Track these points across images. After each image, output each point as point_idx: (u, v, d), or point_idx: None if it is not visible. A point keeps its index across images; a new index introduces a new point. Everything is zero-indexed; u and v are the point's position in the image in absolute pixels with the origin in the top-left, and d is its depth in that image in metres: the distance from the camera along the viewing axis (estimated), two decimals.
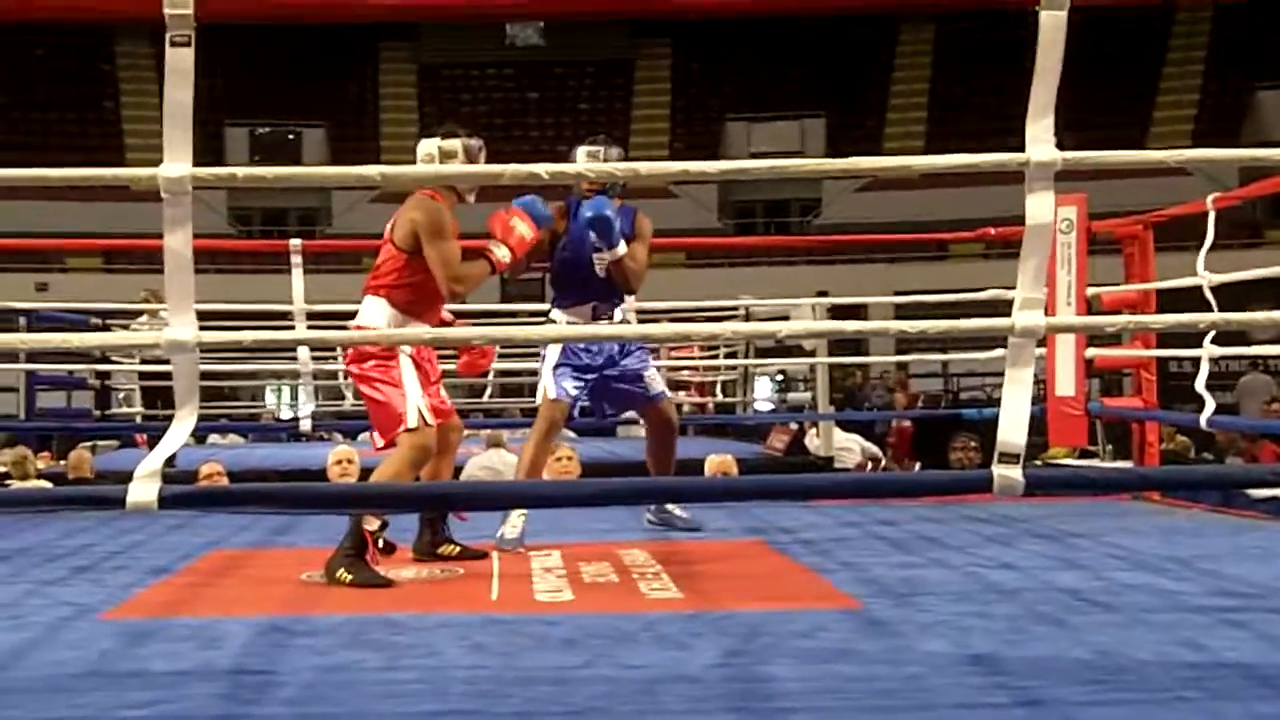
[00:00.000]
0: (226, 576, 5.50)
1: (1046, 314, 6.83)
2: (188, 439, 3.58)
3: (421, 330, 5.32)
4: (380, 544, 5.21)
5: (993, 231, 9.37)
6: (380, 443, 5.44)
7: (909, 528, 6.55)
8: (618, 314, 6.48)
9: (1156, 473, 3.31)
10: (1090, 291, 7.74)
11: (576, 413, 6.56)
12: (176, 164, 3.02)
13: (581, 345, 6.35)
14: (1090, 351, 7.79)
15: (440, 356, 5.94)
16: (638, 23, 36.13)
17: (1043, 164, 3.07)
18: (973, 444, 9.87)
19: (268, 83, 34.84)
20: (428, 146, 5.54)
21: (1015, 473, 3.12)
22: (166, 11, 2.98)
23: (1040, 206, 3.08)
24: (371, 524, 5.12)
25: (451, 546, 5.77)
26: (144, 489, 3.09)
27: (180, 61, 3.01)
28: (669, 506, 6.62)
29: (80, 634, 4.19)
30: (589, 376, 6.37)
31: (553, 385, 6.31)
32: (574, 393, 6.34)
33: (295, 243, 9.10)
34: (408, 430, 5.27)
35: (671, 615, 4.37)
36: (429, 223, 5.35)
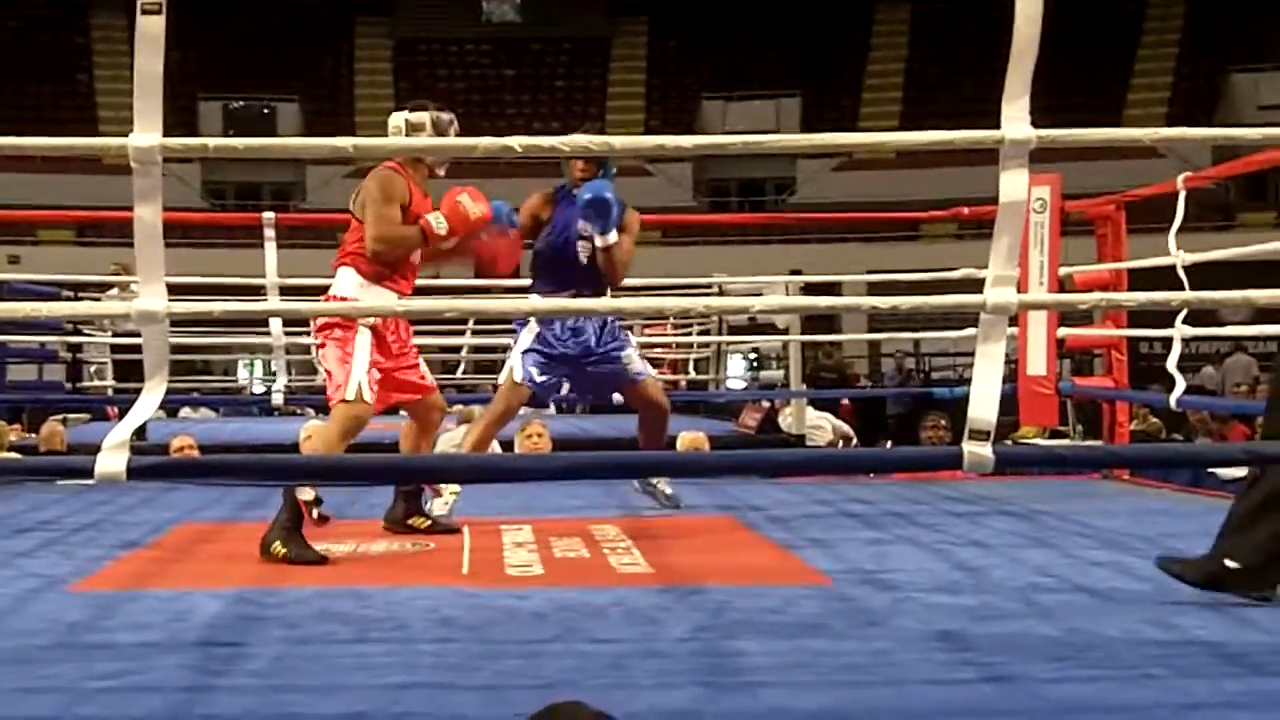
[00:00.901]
0: (195, 550, 5.49)
1: (1019, 292, 6.86)
2: (158, 412, 3.57)
3: (387, 302, 5.30)
4: (315, 515, 5.15)
5: (966, 211, 9.37)
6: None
7: (880, 506, 6.57)
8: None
9: (1126, 450, 3.31)
10: (1063, 271, 7.74)
11: (551, 407, 6.44)
12: (146, 134, 3.00)
13: (556, 336, 6.15)
14: (1062, 331, 7.80)
15: (416, 331, 5.91)
16: (615, 0, 36.08)
17: (1017, 142, 3.07)
18: (943, 423, 9.88)
19: (242, 56, 34.67)
20: (396, 119, 5.52)
21: (985, 449, 3.12)
22: None
23: (1014, 184, 3.08)
24: (305, 494, 5.07)
25: (422, 519, 5.75)
26: (112, 460, 3.07)
27: (151, 29, 2.98)
28: (655, 480, 6.52)
29: (48, 606, 4.18)
30: (562, 370, 6.20)
31: (519, 368, 6.12)
32: (539, 379, 6.12)
33: (268, 216, 9.05)
34: (344, 401, 5.21)
35: (641, 590, 4.38)
36: (376, 189, 5.33)
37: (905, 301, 3.33)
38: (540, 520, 6.02)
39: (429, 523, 5.75)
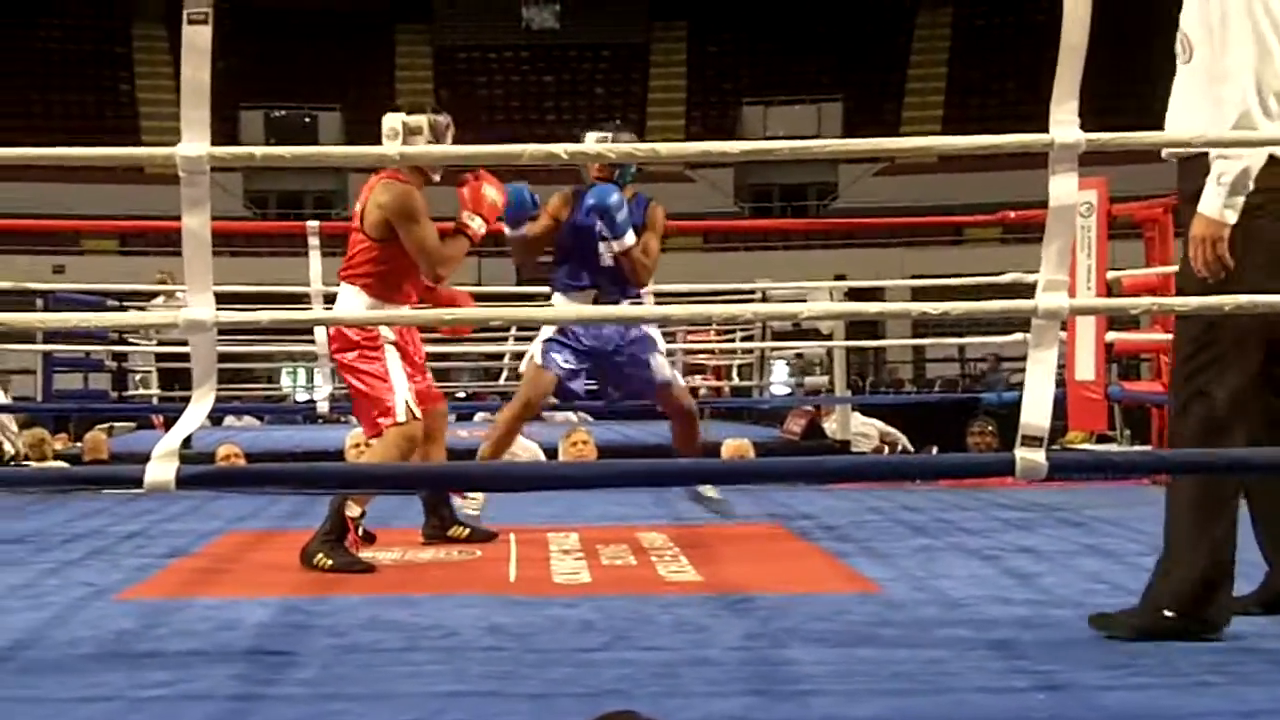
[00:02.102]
0: (242, 558, 5.49)
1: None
2: (204, 421, 3.56)
3: (434, 311, 5.26)
4: (360, 531, 5.14)
5: (1012, 215, 9.33)
6: (369, 430, 5.36)
7: (929, 512, 6.52)
8: (625, 305, 6.12)
9: (1180, 455, 3.26)
10: (1110, 275, 7.69)
11: (583, 392, 6.27)
12: (194, 143, 3.00)
13: (581, 328, 5.99)
14: (1110, 335, 7.74)
15: (424, 339, 5.87)
16: (654, 5, 36.06)
17: (1067, 145, 3.04)
18: (990, 428, 9.82)
19: (283, 65, 34.80)
20: (392, 121, 5.36)
21: (1038, 456, 3.09)
22: None
23: (1064, 188, 3.05)
24: (353, 510, 5.06)
25: (461, 528, 5.73)
26: (161, 469, 3.07)
27: (197, 39, 2.98)
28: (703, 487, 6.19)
29: (96, 614, 4.19)
30: (585, 361, 6.02)
31: (540, 354, 5.95)
32: (565, 367, 5.92)
33: (313, 224, 9.08)
34: (396, 424, 5.16)
35: (690, 598, 4.36)
36: (399, 207, 5.21)
37: (955, 306, 3.31)
38: (587, 528, 5.99)
39: (468, 531, 5.72)
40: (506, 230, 5.91)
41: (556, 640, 3.75)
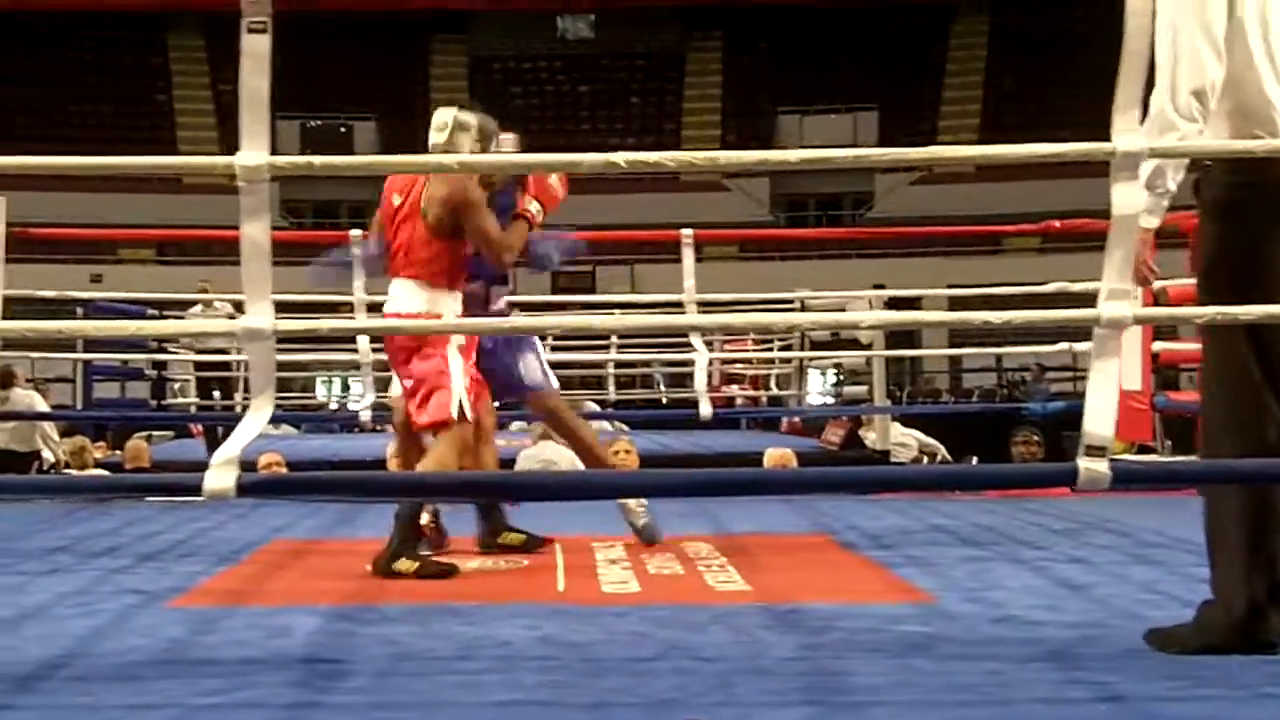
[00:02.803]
0: (291, 566, 5.50)
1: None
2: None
3: (484, 320, 5.26)
4: (439, 533, 5.17)
5: (1057, 224, 9.27)
6: (423, 418, 5.29)
7: (974, 522, 6.49)
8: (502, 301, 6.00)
9: (1244, 466, 3.24)
10: (1156, 285, 7.64)
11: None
12: (253, 152, 3.00)
13: None
14: (1156, 345, 7.70)
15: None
16: (689, 15, 36.07)
17: (1130, 154, 3.03)
18: (1035, 438, 9.77)
19: (319, 75, 34.92)
20: (444, 115, 5.35)
21: (1102, 466, 3.07)
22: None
23: (1126, 197, 3.04)
24: (425, 518, 5.08)
25: (515, 535, 5.73)
26: (221, 476, 3.08)
27: (257, 47, 2.99)
28: (630, 504, 5.93)
29: (149, 622, 4.19)
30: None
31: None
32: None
33: (355, 234, 9.07)
34: (452, 423, 5.16)
35: (741, 607, 4.34)
36: (463, 198, 5.21)
37: (1017, 315, 3.29)
38: (632, 537, 5.97)
39: (524, 537, 5.72)
40: (538, 251, 5.79)
41: (609, 650, 3.74)
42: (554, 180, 5.42)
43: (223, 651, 3.76)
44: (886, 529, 6.32)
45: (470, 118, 5.35)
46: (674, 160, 3.28)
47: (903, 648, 3.73)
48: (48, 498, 7.50)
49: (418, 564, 5.01)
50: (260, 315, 3.06)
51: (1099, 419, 3.10)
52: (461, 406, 5.16)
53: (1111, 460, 3.16)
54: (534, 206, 5.37)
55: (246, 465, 3.20)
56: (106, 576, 5.09)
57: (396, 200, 5.40)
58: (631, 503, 5.86)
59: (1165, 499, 7.25)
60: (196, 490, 3.12)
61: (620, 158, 3.18)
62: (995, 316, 3.26)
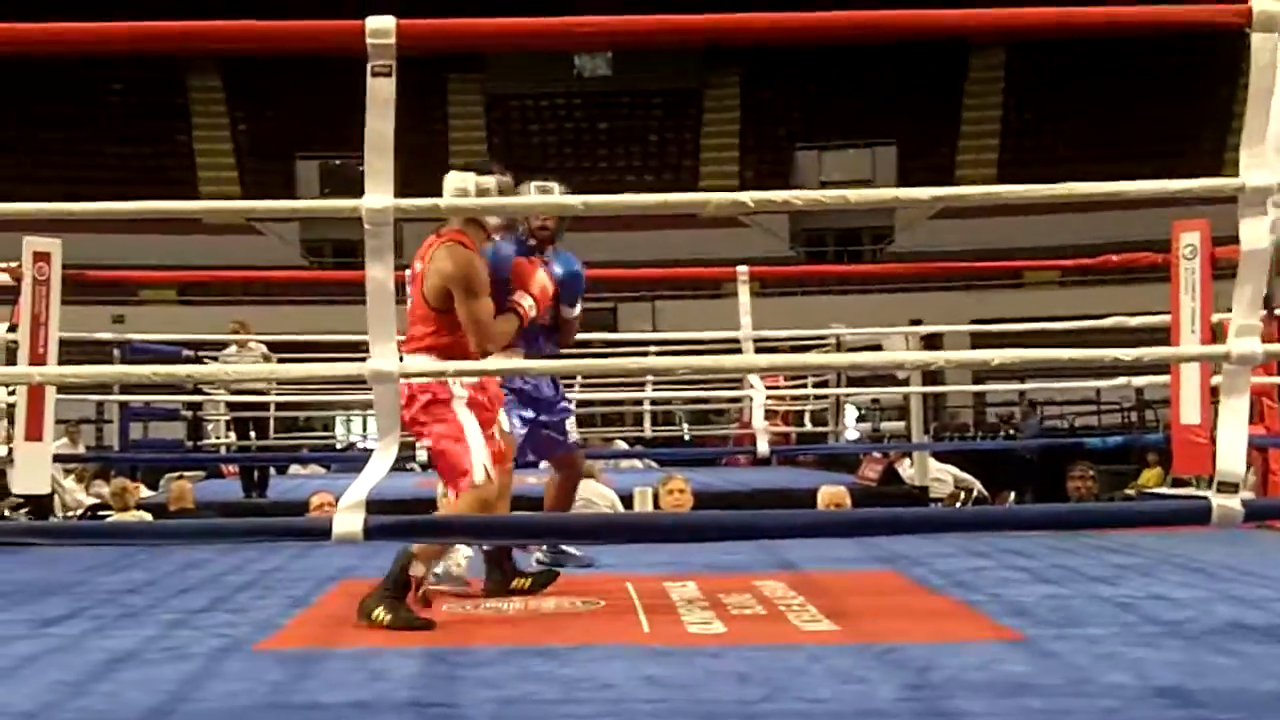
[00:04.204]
0: None
1: (1170, 343, 6.73)
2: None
3: (529, 361, 5.22)
4: (420, 594, 5.08)
5: (1114, 259, 9.24)
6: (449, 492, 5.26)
7: (1041, 558, 6.45)
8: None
9: None
10: (1215, 318, 7.63)
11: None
12: (379, 195, 3.00)
13: (521, 379, 5.97)
14: (1215, 379, 7.67)
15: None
16: (708, 52, 36.11)
17: (1259, 189, 3.02)
18: (1091, 473, 9.73)
19: (337, 115, 34.97)
20: (461, 181, 5.00)
21: (1234, 502, 3.06)
22: (369, 42, 2.97)
23: (1255, 231, 3.03)
24: (417, 569, 5.02)
25: (523, 579, 5.70)
26: (350, 520, 3.07)
27: (382, 92, 3.00)
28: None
29: (242, 666, 4.17)
30: (531, 412, 6.08)
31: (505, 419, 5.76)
32: (522, 418, 6.01)
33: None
34: (473, 486, 5.03)
35: (835, 648, 4.31)
36: (462, 277, 5.06)
37: (1150, 352, 3.28)
38: (702, 576, 5.96)
39: (530, 579, 5.71)
40: (565, 310, 5.99)
41: (717, 692, 3.72)
42: (541, 274, 5.48)
43: (326, 695, 3.74)
44: (955, 565, 6.28)
45: (489, 181, 5.08)
46: (753, 200, 3.28)
47: (1009, 687, 3.72)
48: (165, 543, 7.41)
49: (391, 615, 4.87)
50: (385, 357, 3.06)
51: (1231, 456, 3.09)
52: (485, 469, 5.07)
53: (1243, 499, 3.15)
54: (527, 301, 5.38)
55: (299, 507, 3.18)
56: (186, 619, 5.07)
57: (418, 266, 5.25)
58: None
59: (1218, 533, 7.21)
60: (326, 535, 3.11)
61: (679, 198, 3.17)
62: (1080, 355, 3.25)
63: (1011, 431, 18.81)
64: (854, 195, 3.71)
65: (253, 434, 14.53)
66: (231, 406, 14.25)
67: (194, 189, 32.37)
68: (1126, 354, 3.21)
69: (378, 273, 3.01)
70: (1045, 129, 33.73)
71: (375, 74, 2.96)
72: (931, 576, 5.97)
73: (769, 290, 29.58)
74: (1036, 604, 5.11)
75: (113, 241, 27.27)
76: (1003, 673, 3.91)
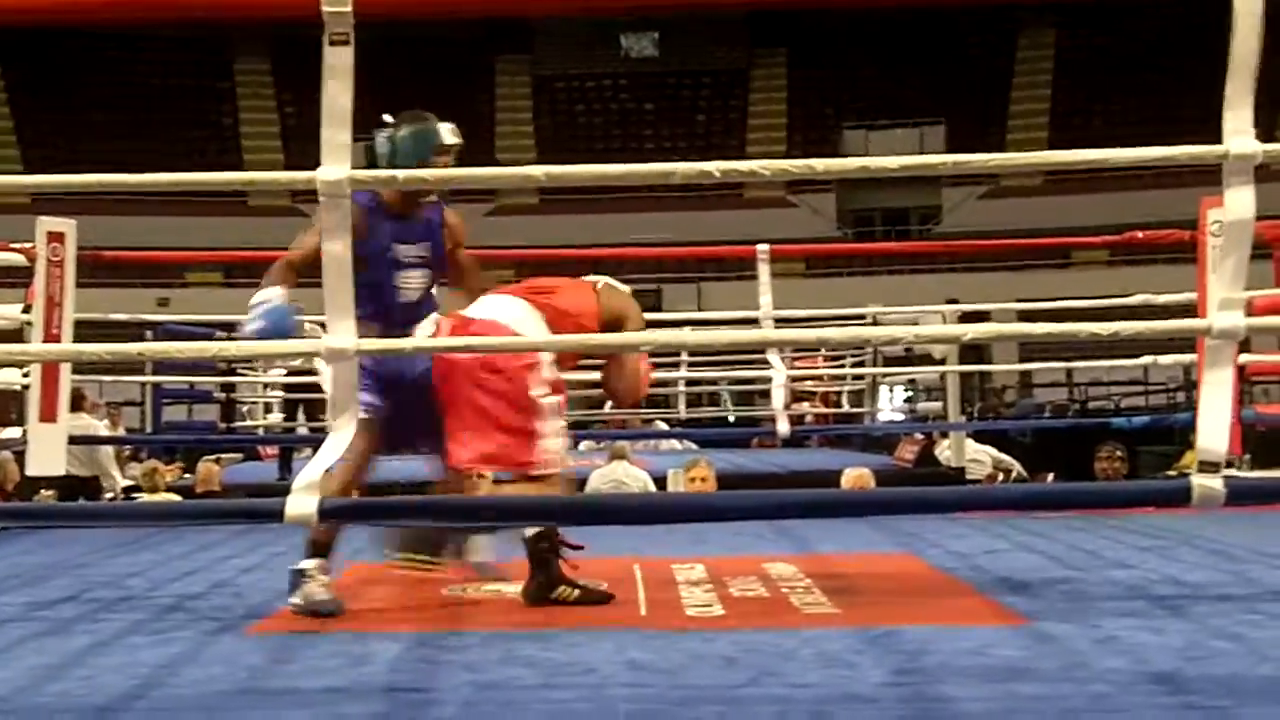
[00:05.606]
0: (367, 591, 5.41)
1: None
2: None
3: (589, 336, 4.91)
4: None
5: (1140, 235, 9.10)
6: (463, 456, 4.99)
7: (1059, 540, 6.35)
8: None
9: None
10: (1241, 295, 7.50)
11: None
12: (334, 167, 2.92)
13: (370, 359, 4.61)
14: (1243, 358, 7.54)
15: None
16: (754, 31, 35.98)
17: (1242, 156, 2.91)
18: (1119, 453, 9.59)
19: (382, 96, 34.96)
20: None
21: (1216, 483, 2.95)
22: (324, 9, 2.89)
23: (1239, 202, 2.92)
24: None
25: (568, 590, 5.60)
26: (303, 501, 3.00)
27: (340, 60, 2.91)
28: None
29: (227, 649, 4.11)
30: (385, 398, 5.09)
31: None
32: (372, 405, 4.90)
33: None
34: (547, 473, 4.92)
35: (831, 631, 4.22)
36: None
37: (1127, 327, 3.18)
38: (712, 558, 5.88)
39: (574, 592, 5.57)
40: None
41: (701, 676, 3.63)
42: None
43: (305, 680, 3.67)
44: (973, 547, 6.19)
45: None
46: (769, 169, 3.18)
47: (1002, 672, 3.62)
48: (120, 524, 7.40)
49: (577, 591, 4.87)
50: (343, 334, 2.98)
51: (1213, 433, 2.98)
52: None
53: (1226, 477, 3.04)
54: None
55: None
56: (181, 603, 5.03)
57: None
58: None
59: (1244, 514, 7.08)
60: (278, 516, 3.04)
61: (714, 167, 3.08)
62: (1100, 328, 3.15)
63: (999, 412, 18.64)
64: (894, 163, 3.56)
65: (301, 415, 14.47)
66: (286, 387, 14.16)
67: (240, 170, 32.46)
68: (1103, 328, 3.11)
69: (334, 248, 2.93)
70: (1094, 107, 33.42)
71: (333, 42, 2.87)
72: (945, 558, 5.87)
73: (815, 270, 29.52)
74: (1046, 588, 5.01)
75: (156, 224, 27.48)
76: (999, 657, 3.80)
